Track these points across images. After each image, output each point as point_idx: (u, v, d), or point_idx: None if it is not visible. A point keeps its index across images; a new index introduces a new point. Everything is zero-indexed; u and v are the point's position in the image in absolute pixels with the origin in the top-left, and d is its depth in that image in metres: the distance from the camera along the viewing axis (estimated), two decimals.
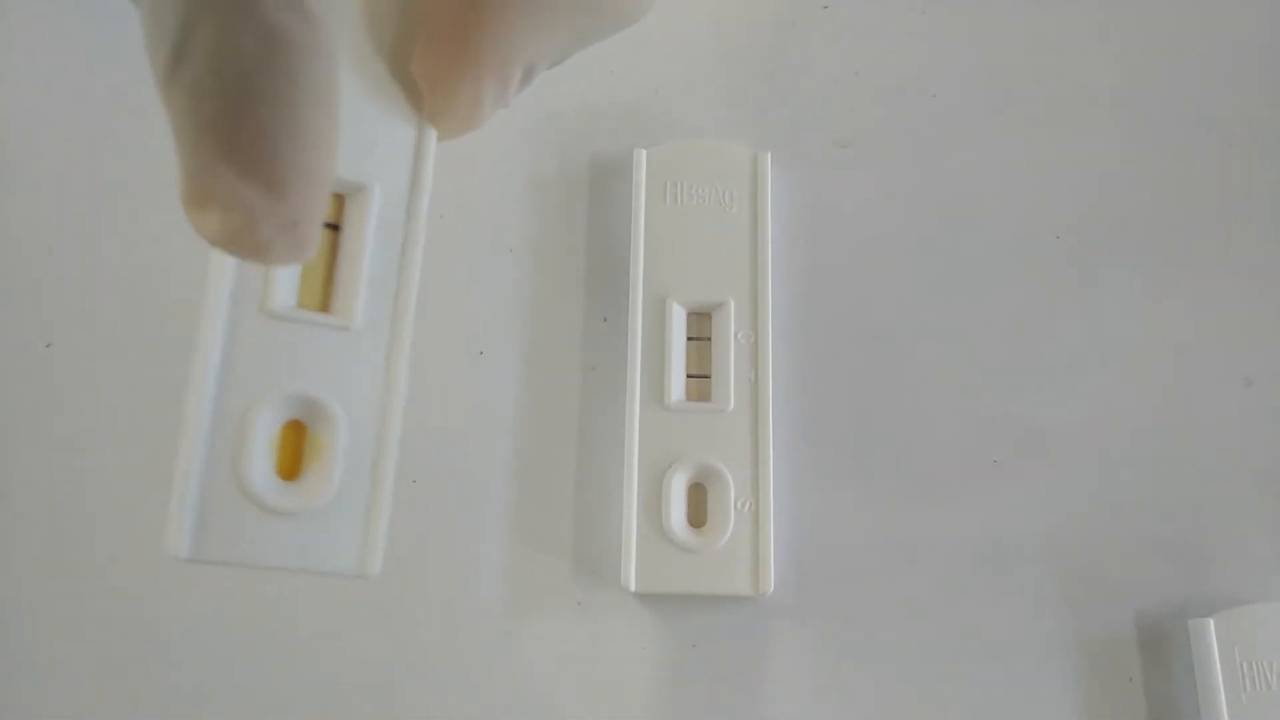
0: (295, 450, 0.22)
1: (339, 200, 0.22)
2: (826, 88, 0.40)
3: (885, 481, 0.36)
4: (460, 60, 0.21)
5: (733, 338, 0.35)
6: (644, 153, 0.37)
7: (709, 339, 0.36)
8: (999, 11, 0.41)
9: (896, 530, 0.35)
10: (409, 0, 0.23)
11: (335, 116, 0.18)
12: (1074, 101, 0.40)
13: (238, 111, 0.17)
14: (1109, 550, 0.35)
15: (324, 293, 0.22)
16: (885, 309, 0.38)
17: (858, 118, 0.40)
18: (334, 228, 0.22)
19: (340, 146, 0.19)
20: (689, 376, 0.35)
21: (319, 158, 0.18)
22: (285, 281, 0.21)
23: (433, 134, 0.23)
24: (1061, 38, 0.41)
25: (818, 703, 0.34)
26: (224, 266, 0.21)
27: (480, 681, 0.33)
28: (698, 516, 0.34)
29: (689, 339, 0.36)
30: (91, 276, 0.36)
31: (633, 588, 0.33)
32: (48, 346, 0.35)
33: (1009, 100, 0.40)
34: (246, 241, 0.18)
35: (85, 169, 0.37)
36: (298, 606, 0.33)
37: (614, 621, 0.34)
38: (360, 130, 0.22)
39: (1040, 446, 0.36)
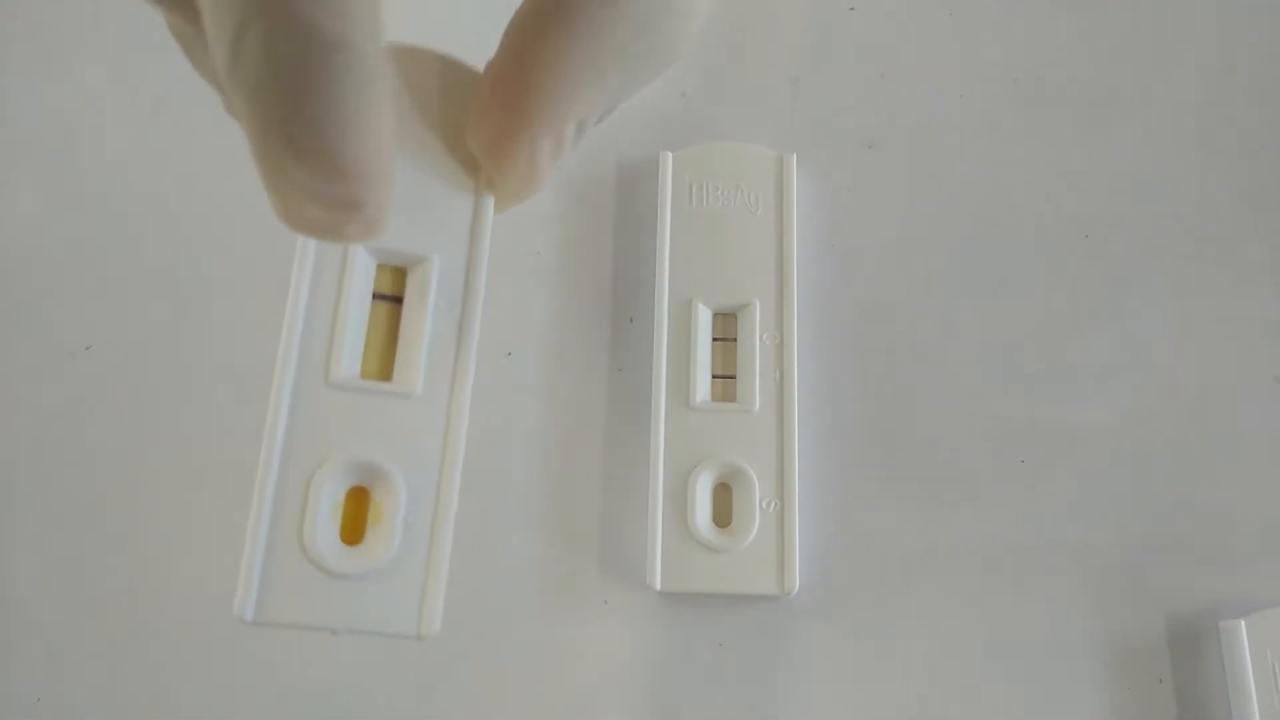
0: (358, 516, 0.23)
1: (400, 273, 0.24)
2: (853, 89, 0.40)
3: (910, 482, 0.36)
4: (514, 124, 0.22)
5: (758, 339, 0.35)
6: (669, 155, 0.37)
7: (734, 340, 0.36)
8: (1026, 13, 0.41)
9: (923, 531, 0.35)
10: (458, 72, 0.24)
11: (381, 104, 0.19)
12: (1101, 102, 0.40)
13: (290, 106, 0.18)
14: (1139, 552, 0.35)
15: (385, 362, 0.23)
16: (911, 310, 0.37)
17: (884, 119, 0.40)
18: (396, 300, 0.23)
19: (391, 131, 0.20)
20: (714, 377, 0.36)
21: (370, 144, 0.19)
22: (349, 352, 0.23)
23: (489, 202, 0.24)
24: (1089, 38, 0.41)
25: (842, 703, 0.34)
26: (292, 339, 0.22)
27: (507, 680, 0.33)
28: (723, 516, 0.34)
29: (714, 340, 0.36)
30: (131, 278, 0.37)
31: (658, 587, 0.33)
32: (88, 349, 0.36)
33: (1036, 101, 0.40)
34: (319, 223, 0.20)
35: (124, 171, 0.38)
36: None
37: (640, 620, 0.34)
38: (419, 204, 0.23)
39: (1069, 447, 0.36)
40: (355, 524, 0.23)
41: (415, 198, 0.23)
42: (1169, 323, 0.38)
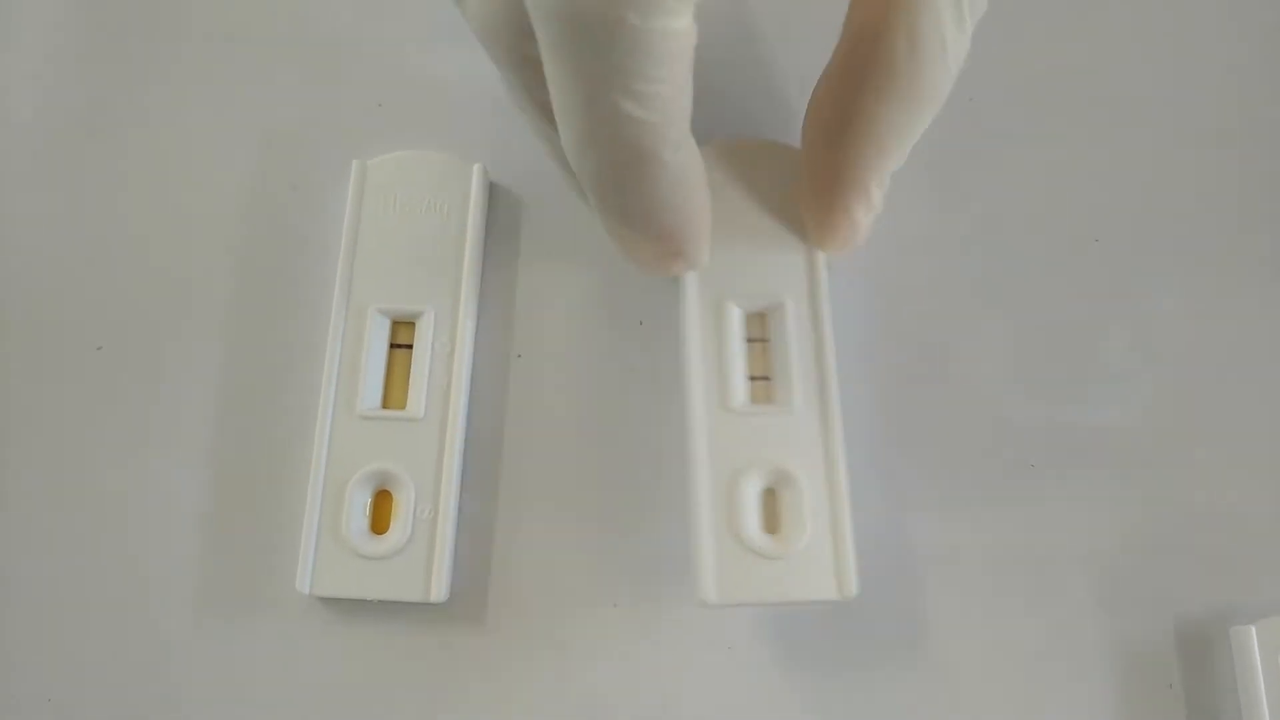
0: (383, 511, 0.32)
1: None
2: None
3: (919, 486, 0.36)
4: (831, 196, 0.28)
5: (791, 341, 0.32)
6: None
7: (767, 340, 0.35)
8: (1037, 15, 0.41)
9: (932, 534, 0.35)
10: (777, 152, 0.33)
11: (689, 193, 0.26)
12: (1114, 105, 0.40)
13: (620, 195, 0.25)
14: (1149, 556, 0.35)
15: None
16: (923, 313, 0.37)
17: None
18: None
19: (708, 200, 0.27)
20: (752, 379, 0.34)
21: (681, 219, 0.26)
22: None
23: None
24: (1101, 41, 0.41)
25: (851, 707, 0.34)
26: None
27: (541, 698, 0.34)
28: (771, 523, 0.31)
29: (748, 340, 0.34)
30: (142, 279, 0.37)
31: (712, 599, 0.29)
32: (99, 349, 0.36)
33: (1047, 104, 0.40)
34: (651, 265, 0.28)
35: (135, 173, 0.38)
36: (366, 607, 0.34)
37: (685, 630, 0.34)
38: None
39: (1077, 451, 0.36)
40: (382, 517, 0.32)
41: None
42: (1181, 326, 0.38)
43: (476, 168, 0.36)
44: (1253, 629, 0.33)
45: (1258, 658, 0.33)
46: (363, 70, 0.40)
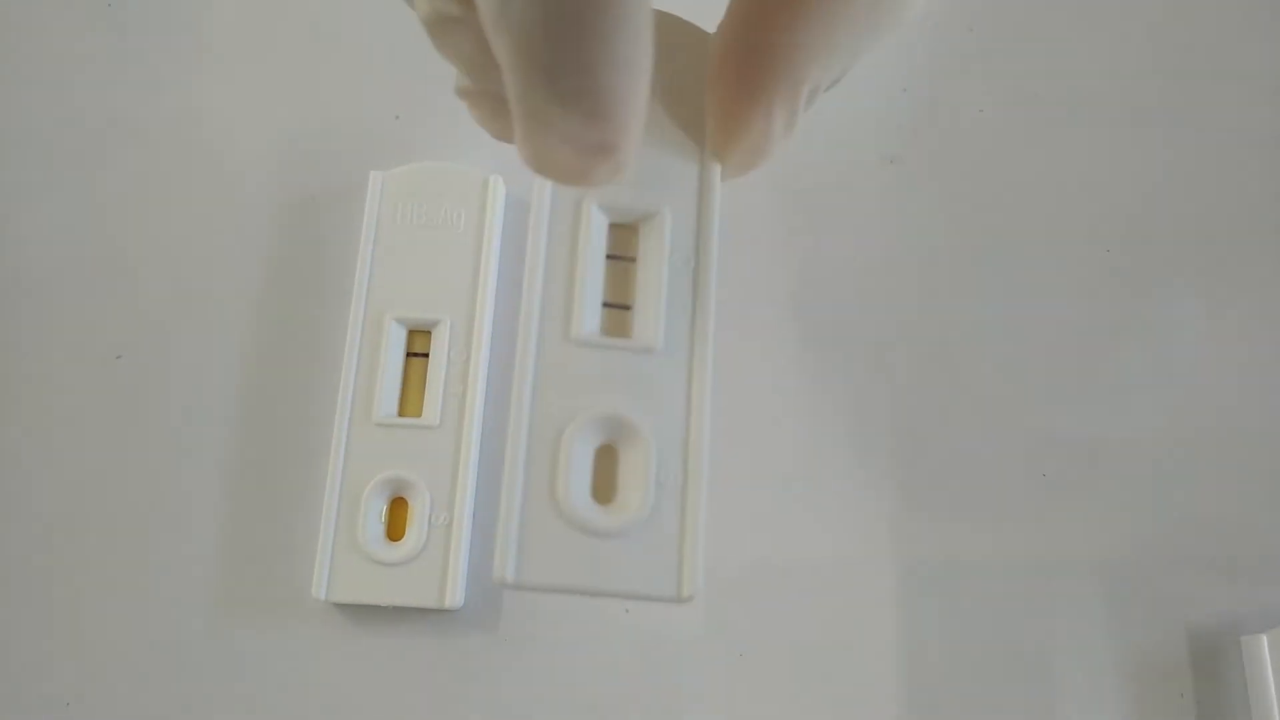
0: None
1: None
2: (874, 104, 0.40)
3: (932, 495, 0.36)
4: (750, 92, 0.22)
5: (664, 260, 0.30)
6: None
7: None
8: (1046, 26, 0.42)
9: (945, 543, 0.35)
10: (685, 32, 0.24)
11: (647, 42, 0.19)
12: (1123, 115, 0.41)
13: (561, 44, 0.18)
14: (1161, 565, 0.35)
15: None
16: (931, 324, 0.38)
17: (905, 134, 0.40)
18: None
19: (649, 72, 0.19)
20: (607, 306, 0.29)
21: (635, 83, 0.19)
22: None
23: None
24: (1110, 51, 0.41)
25: (845, 708, 0.34)
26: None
27: (554, 703, 0.34)
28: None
29: (611, 258, 0.30)
30: (161, 289, 0.37)
31: (510, 577, 0.23)
32: (118, 358, 0.37)
33: (1057, 115, 0.40)
34: (568, 168, 0.20)
35: (155, 184, 0.39)
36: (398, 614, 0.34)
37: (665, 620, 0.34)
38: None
39: (1090, 460, 0.36)
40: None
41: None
42: (1191, 336, 0.38)
43: (493, 179, 0.37)
44: (1264, 638, 0.33)
45: (1269, 666, 0.33)
46: (381, 82, 0.40)
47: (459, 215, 0.36)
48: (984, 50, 0.41)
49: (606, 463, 0.22)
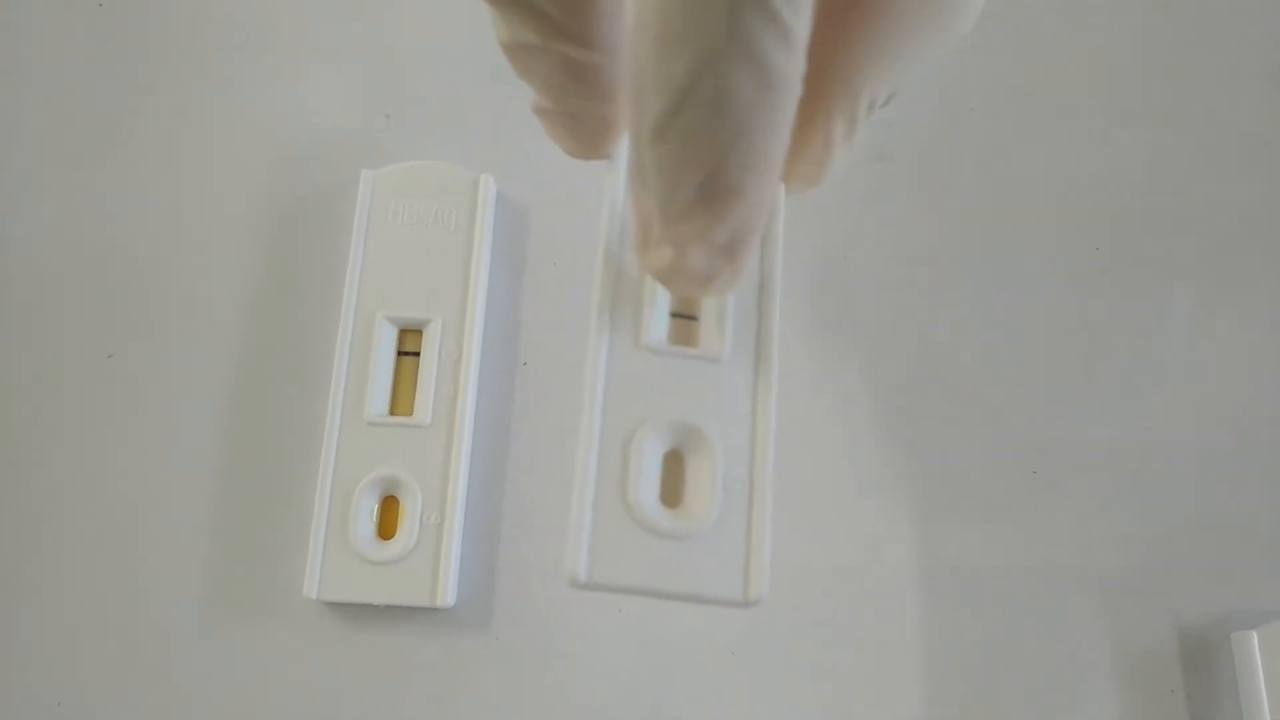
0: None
1: None
2: None
3: (922, 496, 0.36)
4: (810, 103, 0.21)
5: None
6: None
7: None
8: (1038, 24, 0.42)
9: (935, 544, 0.35)
10: None
11: (788, 139, 0.19)
12: (1114, 114, 0.41)
13: (729, 151, 0.18)
14: (1151, 562, 0.35)
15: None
16: (924, 322, 0.38)
17: (896, 131, 0.40)
18: None
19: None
20: (674, 315, 0.31)
21: (776, 179, 0.19)
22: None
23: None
24: (1101, 50, 0.42)
25: (846, 710, 0.34)
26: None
27: (546, 702, 0.34)
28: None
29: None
30: (152, 288, 0.37)
31: (582, 577, 0.24)
32: (109, 357, 0.37)
33: (1048, 113, 0.41)
34: (695, 273, 0.20)
35: (146, 183, 0.39)
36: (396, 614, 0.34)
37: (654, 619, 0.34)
38: None
39: (1080, 459, 0.36)
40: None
41: None
42: (1181, 334, 0.38)
43: (484, 178, 0.37)
44: (1254, 634, 0.33)
45: (1259, 663, 0.33)
46: (372, 81, 0.40)
47: (450, 214, 0.36)
48: (974, 48, 0.41)
49: (674, 467, 0.23)
